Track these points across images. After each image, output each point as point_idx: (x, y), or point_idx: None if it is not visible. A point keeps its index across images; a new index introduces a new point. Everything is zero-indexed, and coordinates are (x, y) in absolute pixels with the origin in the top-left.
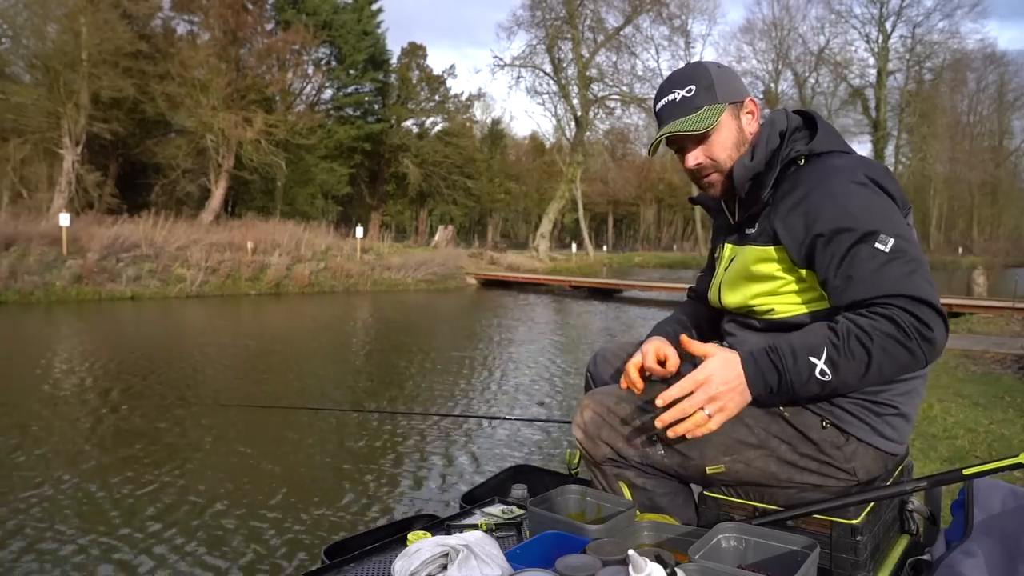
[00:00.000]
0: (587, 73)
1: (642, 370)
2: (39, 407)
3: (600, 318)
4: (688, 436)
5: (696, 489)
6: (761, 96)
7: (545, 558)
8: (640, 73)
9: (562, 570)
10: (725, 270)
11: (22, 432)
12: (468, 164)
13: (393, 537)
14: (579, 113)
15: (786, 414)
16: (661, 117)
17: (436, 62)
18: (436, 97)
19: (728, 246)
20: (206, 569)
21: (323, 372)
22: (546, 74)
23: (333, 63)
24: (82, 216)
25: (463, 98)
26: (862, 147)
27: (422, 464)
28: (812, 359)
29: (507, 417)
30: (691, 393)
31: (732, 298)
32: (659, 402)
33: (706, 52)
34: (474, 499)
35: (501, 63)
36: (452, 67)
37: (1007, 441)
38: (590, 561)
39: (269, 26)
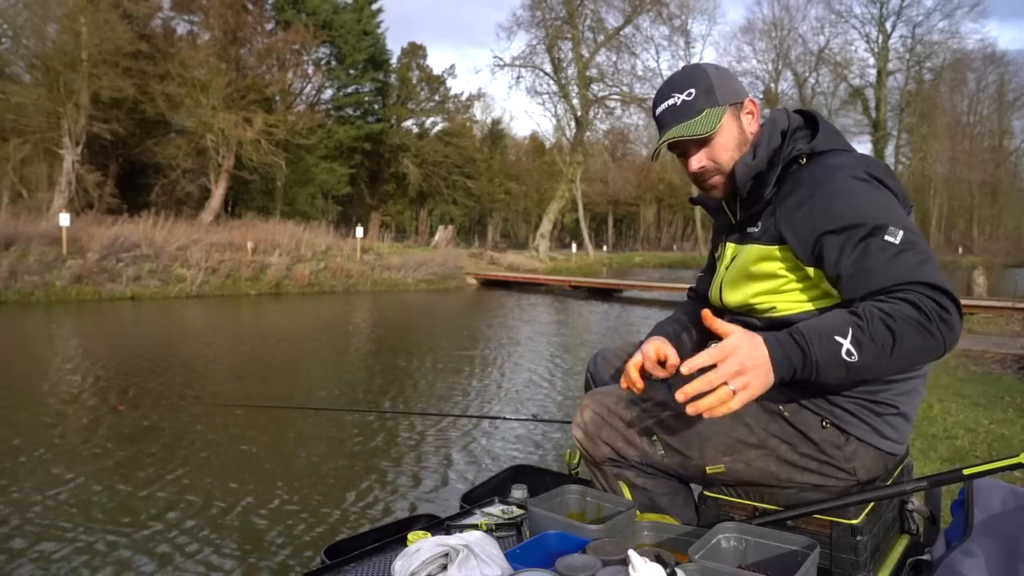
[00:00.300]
0: (587, 73)
1: (642, 370)
2: (39, 407)
3: (600, 318)
4: (706, 415)
5: (696, 489)
6: (761, 96)
7: (545, 558)
8: (640, 73)
9: (562, 570)
10: (727, 269)
11: (22, 431)
12: (468, 164)
13: (393, 537)
14: (579, 113)
15: (786, 414)
16: (662, 122)
17: (436, 62)
18: (436, 97)
19: (730, 245)
20: (206, 569)
21: (323, 372)
22: (546, 74)
23: (333, 63)
24: (82, 216)
25: (463, 98)
26: (862, 147)
27: (422, 464)
28: (838, 338)
29: (507, 417)
30: (716, 366)
31: (733, 297)
32: (684, 370)
33: (706, 52)
34: (474, 499)
35: (501, 63)
36: (452, 67)
37: (1007, 441)
38: (590, 561)
39: (269, 26)
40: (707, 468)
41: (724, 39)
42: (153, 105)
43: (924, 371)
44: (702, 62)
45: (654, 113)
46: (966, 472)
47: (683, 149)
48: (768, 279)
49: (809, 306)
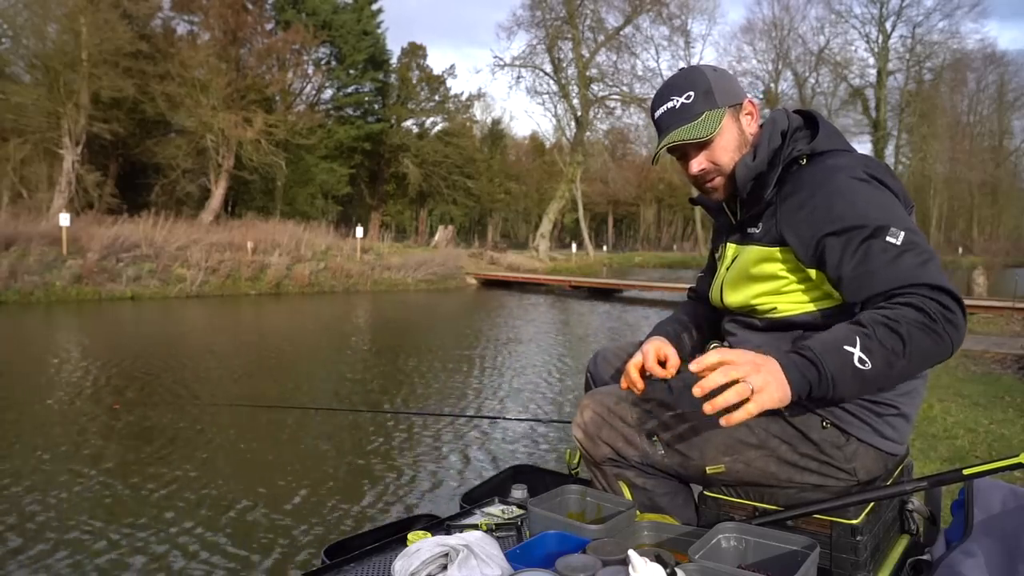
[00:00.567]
0: (587, 73)
1: (642, 370)
2: (39, 407)
3: (600, 318)
4: (724, 422)
5: (696, 489)
6: (761, 96)
7: (545, 558)
8: (640, 73)
9: (562, 570)
10: (727, 270)
11: (22, 432)
12: (468, 164)
13: (393, 537)
14: (579, 113)
15: (786, 414)
16: (661, 125)
17: (436, 62)
18: (436, 97)
19: (731, 246)
20: (205, 569)
21: (323, 372)
22: (546, 74)
23: (333, 63)
24: (82, 216)
25: (463, 98)
26: (862, 147)
27: (422, 464)
28: (848, 348)
29: (507, 417)
30: (734, 363)
31: (734, 297)
32: (694, 367)
33: (706, 52)
34: (474, 499)
35: (501, 63)
36: (452, 67)
37: (1007, 441)
38: (590, 561)
39: (269, 26)
40: (707, 468)
41: (724, 39)
42: (153, 105)
43: (924, 372)
44: (700, 64)
45: (653, 116)
46: (966, 472)
47: (683, 152)
48: (769, 280)
49: (810, 307)
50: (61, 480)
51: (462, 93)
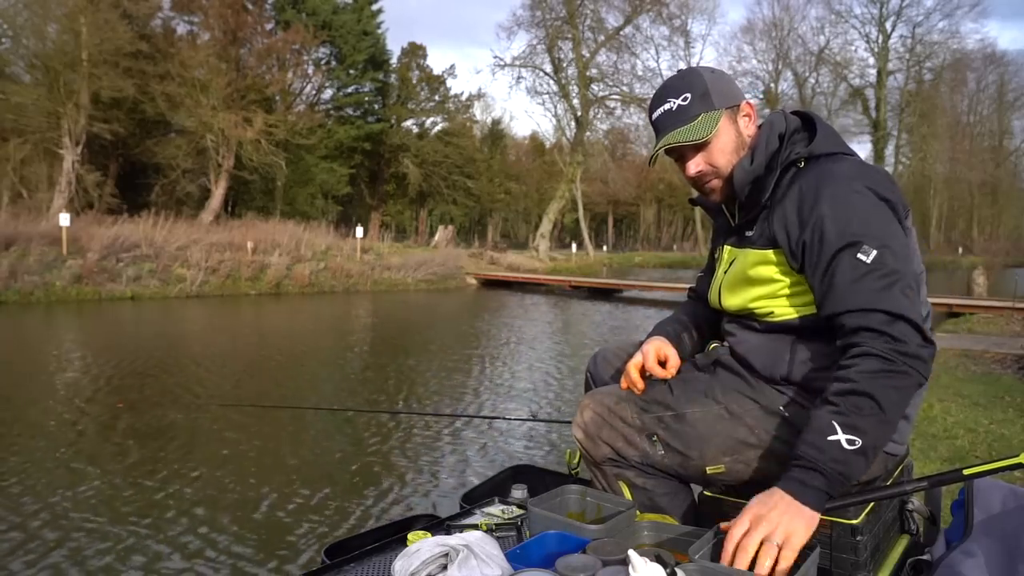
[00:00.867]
0: (587, 73)
1: (642, 370)
2: (39, 407)
3: (600, 318)
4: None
5: (696, 489)
6: (761, 96)
7: (545, 558)
8: (640, 73)
9: (562, 570)
10: (725, 272)
11: (22, 431)
12: (468, 164)
13: (393, 537)
14: (579, 113)
15: (786, 413)
16: (658, 127)
17: (437, 62)
18: (436, 97)
19: (727, 248)
20: (205, 568)
21: (323, 372)
22: (546, 74)
23: (333, 63)
24: (82, 216)
25: (463, 98)
26: (862, 147)
27: (422, 464)
28: (831, 437)
29: (507, 417)
30: (748, 531)
31: (732, 300)
32: (733, 541)
33: (706, 52)
34: (474, 499)
35: (501, 63)
36: (452, 67)
37: (1007, 441)
38: (590, 561)
39: (269, 26)
40: (707, 468)
41: (724, 39)
42: (153, 105)
43: None
44: (698, 66)
45: (650, 118)
46: (966, 472)
47: (680, 154)
48: (765, 284)
49: (807, 311)
50: (61, 480)
51: (462, 93)
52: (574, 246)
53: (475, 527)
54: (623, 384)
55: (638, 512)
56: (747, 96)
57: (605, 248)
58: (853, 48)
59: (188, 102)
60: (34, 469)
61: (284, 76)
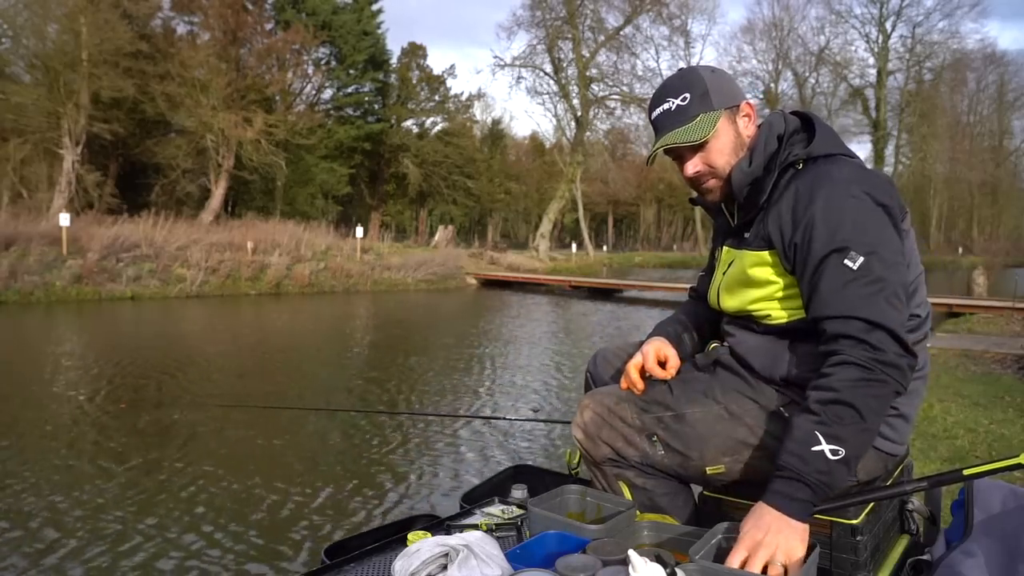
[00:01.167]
0: (587, 73)
1: (642, 371)
2: (39, 407)
3: (600, 318)
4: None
5: (696, 489)
6: (761, 96)
7: (545, 558)
8: (640, 73)
9: (562, 570)
10: (724, 273)
11: (20, 431)
12: (468, 164)
13: (393, 537)
14: (579, 113)
15: (786, 414)
16: (657, 127)
17: (439, 62)
18: (436, 97)
19: (726, 249)
20: (204, 568)
21: (323, 372)
22: (546, 74)
23: (333, 63)
24: (82, 216)
25: (463, 98)
26: (862, 147)
27: (422, 464)
28: (815, 448)
29: (507, 417)
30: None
31: (731, 302)
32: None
33: (706, 52)
34: (474, 499)
35: (501, 63)
36: (452, 67)
37: (1007, 441)
38: (590, 561)
39: (269, 26)
40: (707, 468)
41: (724, 39)
42: (153, 105)
43: (924, 372)
44: (698, 65)
45: (650, 117)
46: (966, 472)
47: (679, 154)
48: (763, 285)
49: (804, 313)
50: (61, 480)
51: (462, 93)
52: (574, 246)
53: (475, 527)
54: (623, 384)
55: (638, 512)
56: (747, 96)
57: (605, 248)
58: (853, 48)
59: (188, 102)
60: (32, 469)
61: (284, 76)
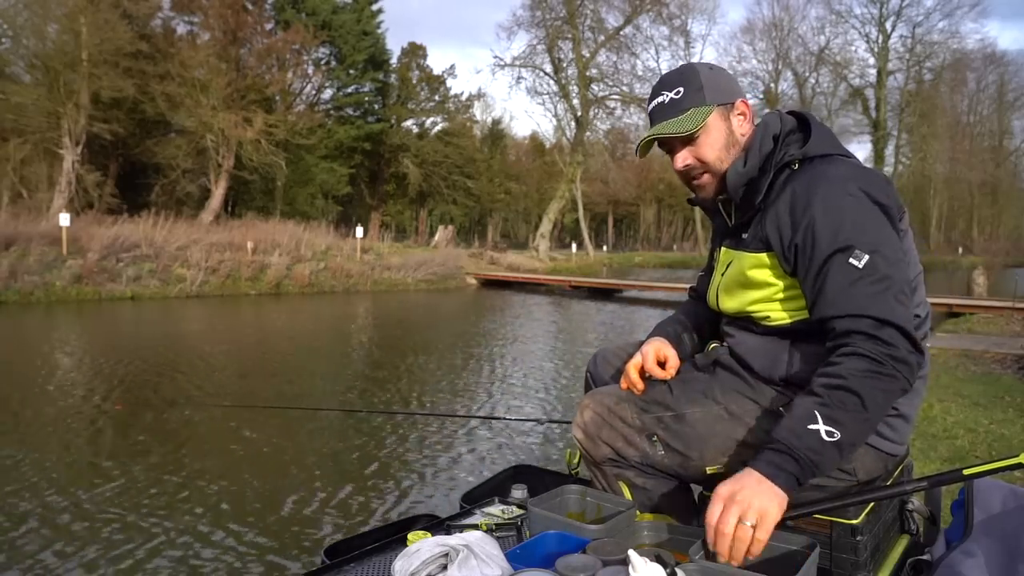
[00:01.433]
0: (587, 73)
1: (642, 371)
2: (38, 407)
3: (600, 318)
4: (750, 558)
5: (696, 489)
6: (761, 96)
7: (545, 558)
8: (640, 73)
9: (562, 570)
10: (722, 275)
11: (20, 431)
12: (468, 164)
13: (393, 537)
14: (579, 113)
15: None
16: (651, 119)
17: (438, 62)
18: (436, 97)
19: (724, 250)
20: (205, 569)
21: (324, 372)
22: (546, 74)
23: (333, 63)
24: (82, 216)
25: (463, 98)
26: (862, 147)
27: (422, 464)
28: (812, 427)
29: (507, 417)
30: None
31: (729, 304)
32: (711, 521)
33: (706, 52)
34: (474, 499)
35: (501, 63)
36: (452, 67)
37: (1007, 441)
38: (590, 561)
39: (269, 26)
40: (707, 468)
41: (724, 39)
42: (153, 105)
43: (924, 372)
44: (697, 61)
45: (647, 110)
46: (966, 472)
47: (670, 147)
48: (761, 287)
49: (803, 314)
50: (61, 480)
51: (462, 93)
52: (574, 246)
53: (475, 527)
54: (623, 385)
55: (638, 512)
56: (747, 96)
57: (605, 248)
58: (853, 48)
59: (188, 102)
60: (30, 469)
61: (284, 76)
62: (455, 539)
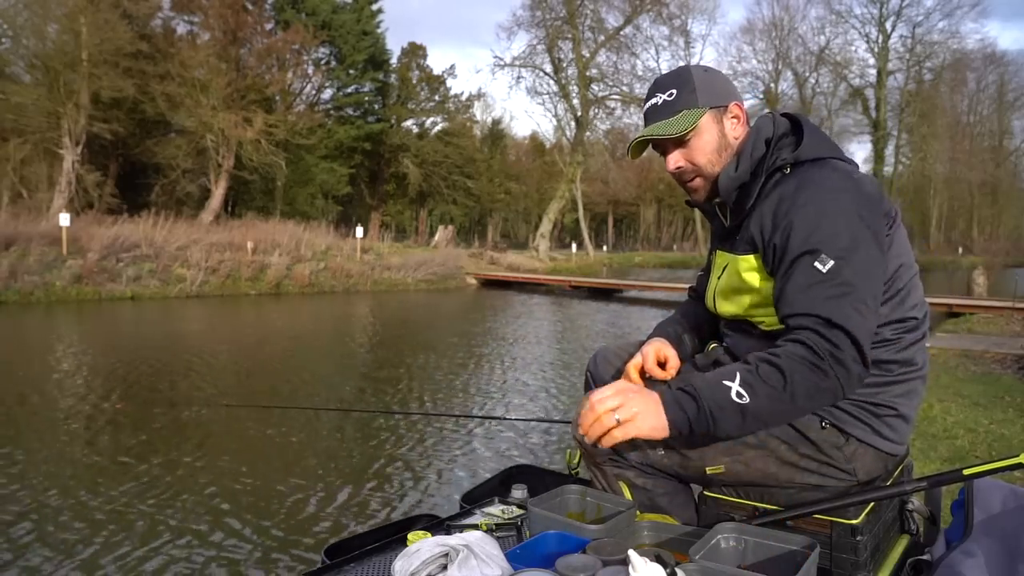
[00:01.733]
0: (587, 73)
1: (642, 371)
2: (38, 407)
3: (600, 318)
4: (599, 443)
5: (696, 489)
6: (761, 96)
7: (545, 558)
8: (640, 73)
9: (562, 570)
10: (719, 278)
11: (19, 432)
12: (468, 164)
13: (393, 537)
14: (579, 113)
15: None
16: (645, 120)
17: (438, 62)
18: (436, 97)
19: (719, 252)
20: (205, 569)
21: (324, 372)
22: (546, 74)
23: (333, 63)
24: (82, 216)
25: (463, 98)
26: (862, 147)
27: (422, 464)
28: (726, 383)
29: (507, 417)
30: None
31: (726, 308)
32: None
33: (706, 52)
34: (474, 499)
35: (501, 63)
36: (452, 67)
37: (1007, 441)
38: (590, 561)
39: (269, 26)
40: (707, 468)
41: (724, 39)
42: (153, 105)
43: (923, 372)
44: (693, 64)
45: (642, 111)
46: (966, 472)
47: (663, 148)
48: (756, 290)
49: None
50: (60, 479)
51: (462, 93)
52: (574, 246)
53: (475, 527)
54: None
55: (638, 512)
56: (747, 96)
57: (605, 248)
58: (853, 48)
59: (188, 102)
60: (35, 469)
61: (284, 76)
62: (455, 539)
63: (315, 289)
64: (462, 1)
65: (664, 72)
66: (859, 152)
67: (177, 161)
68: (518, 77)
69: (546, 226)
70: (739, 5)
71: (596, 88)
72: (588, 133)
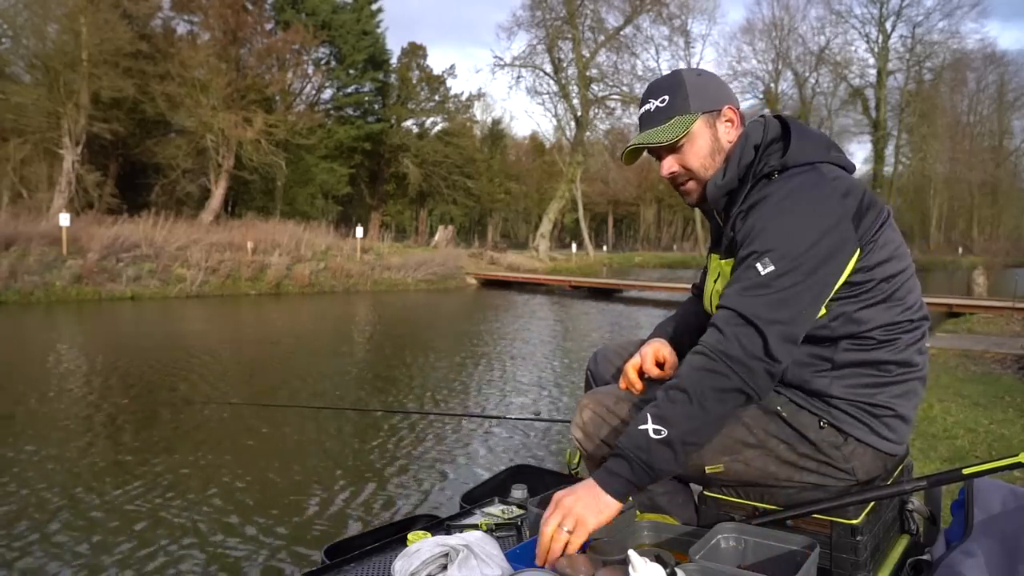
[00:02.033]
0: (587, 73)
1: (641, 371)
2: (38, 407)
3: (600, 318)
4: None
5: (696, 489)
6: (761, 96)
7: None
8: (640, 73)
9: (562, 570)
10: (714, 281)
11: (20, 432)
12: (468, 164)
13: (393, 537)
14: (579, 113)
15: (784, 414)
16: (639, 126)
17: (438, 62)
18: (436, 97)
19: (712, 256)
20: (204, 568)
21: (324, 371)
22: (546, 74)
23: (333, 63)
24: (82, 216)
25: (463, 98)
26: (862, 147)
27: (422, 464)
28: (641, 427)
29: (507, 417)
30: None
31: None
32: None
33: (706, 52)
34: (474, 499)
35: (501, 63)
36: (452, 67)
37: (1007, 441)
38: (590, 561)
39: (269, 26)
40: (706, 468)
41: (724, 39)
42: (153, 105)
43: (922, 373)
44: (685, 68)
45: (637, 117)
46: (966, 472)
47: (657, 154)
48: None
49: None
50: (58, 478)
51: (462, 93)
52: (574, 246)
53: (475, 527)
54: (621, 385)
55: (638, 512)
56: (747, 96)
57: (605, 248)
58: (853, 48)
59: (188, 102)
60: (34, 469)
61: (284, 76)
62: (455, 539)
63: (315, 289)
64: (462, 1)
65: (664, 73)
66: (859, 152)
67: (177, 161)
68: (518, 77)
69: (546, 226)
70: (739, 5)
71: (596, 88)
72: (588, 133)
